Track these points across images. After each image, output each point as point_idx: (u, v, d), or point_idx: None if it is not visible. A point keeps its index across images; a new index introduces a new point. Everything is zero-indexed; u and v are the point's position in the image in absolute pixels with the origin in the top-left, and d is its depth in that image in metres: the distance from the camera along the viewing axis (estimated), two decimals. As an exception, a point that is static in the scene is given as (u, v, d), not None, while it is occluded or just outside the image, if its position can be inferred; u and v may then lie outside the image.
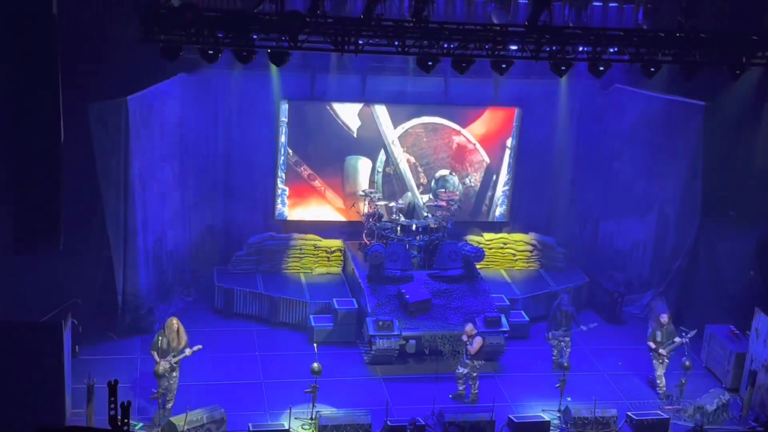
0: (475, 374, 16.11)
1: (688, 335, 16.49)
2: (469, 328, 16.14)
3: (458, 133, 20.37)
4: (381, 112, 19.94)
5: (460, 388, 16.21)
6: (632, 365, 17.60)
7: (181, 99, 18.02)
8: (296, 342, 17.84)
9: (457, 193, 20.20)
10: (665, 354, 16.47)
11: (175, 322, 15.11)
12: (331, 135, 19.86)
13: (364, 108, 19.82)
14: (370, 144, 20.14)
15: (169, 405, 14.88)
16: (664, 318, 16.63)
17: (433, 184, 20.48)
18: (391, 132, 20.08)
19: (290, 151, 19.74)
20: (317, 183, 20.09)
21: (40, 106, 13.77)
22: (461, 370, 16.19)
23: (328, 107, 19.62)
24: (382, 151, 20.21)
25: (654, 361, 16.62)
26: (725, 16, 16.42)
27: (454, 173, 20.61)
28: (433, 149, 20.40)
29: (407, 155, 20.29)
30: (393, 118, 19.99)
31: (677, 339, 16.47)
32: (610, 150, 20.29)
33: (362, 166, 20.22)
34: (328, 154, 20.03)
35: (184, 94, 18.01)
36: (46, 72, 13.68)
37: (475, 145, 20.57)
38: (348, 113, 19.81)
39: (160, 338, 14.93)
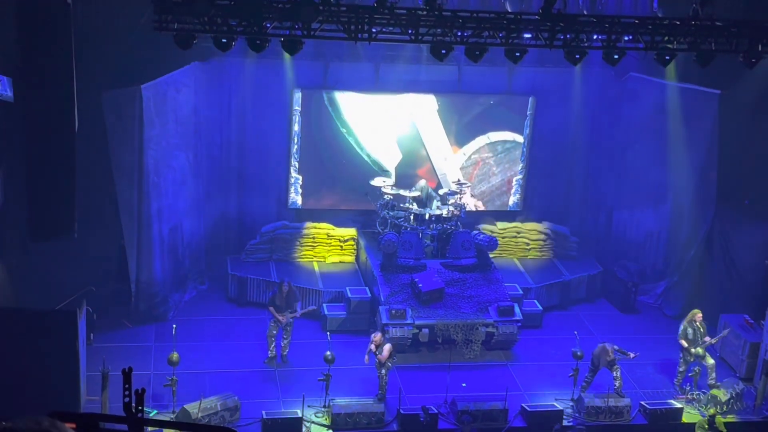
0: (384, 372, 15.72)
1: (719, 335, 16.45)
2: (377, 337, 15.66)
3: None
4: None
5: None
6: (646, 355, 17.54)
7: (195, 87, 18.03)
8: (309, 330, 17.88)
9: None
10: (694, 355, 16.26)
11: (284, 285, 16.67)
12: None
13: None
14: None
15: (278, 352, 16.61)
16: (699, 316, 16.33)
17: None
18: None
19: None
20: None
21: (54, 95, 13.79)
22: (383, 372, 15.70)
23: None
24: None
25: (681, 359, 16.42)
26: (741, 3, 16.29)
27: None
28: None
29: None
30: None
31: (707, 339, 16.29)
32: (624, 139, 20.19)
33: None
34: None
35: (197, 82, 18.03)
36: (60, 60, 13.70)
37: None
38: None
39: (276, 299, 16.59)
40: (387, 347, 15.57)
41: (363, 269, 19.11)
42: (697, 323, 16.32)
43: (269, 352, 16.62)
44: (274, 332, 16.61)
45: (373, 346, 15.56)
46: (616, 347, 15.83)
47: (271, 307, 16.59)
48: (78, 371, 14.15)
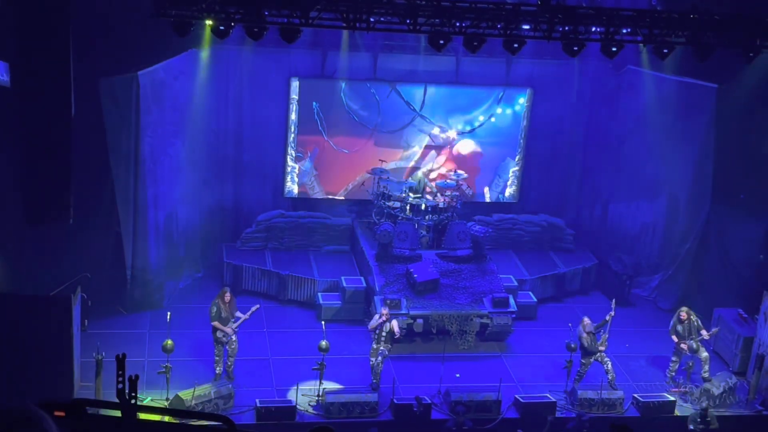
0: (380, 359, 15.70)
1: (711, 331, 16.41)
2: (384, 312, 15.68)
3: None
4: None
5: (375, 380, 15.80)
6: (639, 347, 17.60)
7: (192, 75, 17.99)
8: (304, 319, 17.91)
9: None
10: (686, 348, 16.22)
11: (227, 294, 15.65)
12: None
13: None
14: None
15: (224, 369, 15.55)
16: (683, 314, 16.33)
17: None
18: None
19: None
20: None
21: (51, 80, 13.76)
22: (376, 359, 15.65)
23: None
24: None
25: (674, 352, 16.42)
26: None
27: None
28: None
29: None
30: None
31: (703, 332, 16.23)
32: (621, 132, 20.19)
33: None
34: None
35: (194, 70, 17.99)
36: (58, 46, 13.67)
37: None
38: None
39: (214, 308, 15.48)
40: (393, 321, 15.63)
41: (358, 259, 19.11)
42: (685, 321, 16.25)
43: (216, 369, 15.55)
44: (221, 352, 15.52)
45: (376, 319, 15.59)
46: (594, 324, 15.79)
47: (215, 322, 15.45)
48: (72, 357, 14.19)
